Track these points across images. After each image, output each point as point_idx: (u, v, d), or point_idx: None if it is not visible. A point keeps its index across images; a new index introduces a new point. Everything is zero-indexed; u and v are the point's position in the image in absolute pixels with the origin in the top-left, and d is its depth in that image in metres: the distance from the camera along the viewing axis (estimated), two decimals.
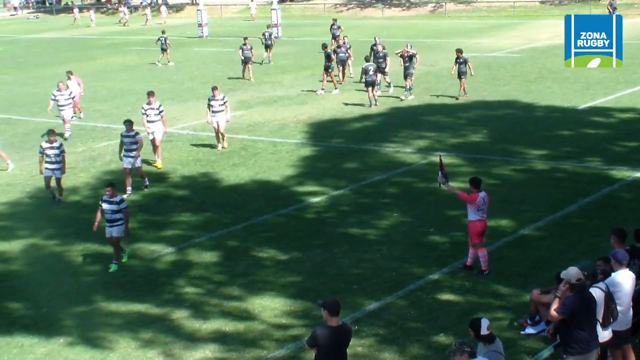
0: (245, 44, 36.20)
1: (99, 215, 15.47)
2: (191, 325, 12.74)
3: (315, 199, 18.68)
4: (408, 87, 29.79)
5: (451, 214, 16.81)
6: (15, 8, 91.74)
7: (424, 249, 15.36)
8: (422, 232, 16.26)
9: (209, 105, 23.11)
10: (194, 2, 77.99)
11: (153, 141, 22.07)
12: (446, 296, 13.27)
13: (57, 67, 44.59)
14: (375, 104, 28.39)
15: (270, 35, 41.63)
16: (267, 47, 41.40)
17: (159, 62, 43.06)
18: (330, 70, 31.66)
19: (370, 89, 28.41)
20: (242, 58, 36.34)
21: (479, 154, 21.69)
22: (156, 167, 21.85)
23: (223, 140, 23.51)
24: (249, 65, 36.26)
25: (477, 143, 22.99)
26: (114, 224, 15.21)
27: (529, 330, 11.82)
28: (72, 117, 26.81)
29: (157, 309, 13.40)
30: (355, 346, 11.52)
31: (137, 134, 19.53)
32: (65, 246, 16.57)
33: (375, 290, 13.64)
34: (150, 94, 22.08)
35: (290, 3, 77.89)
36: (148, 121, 21.87)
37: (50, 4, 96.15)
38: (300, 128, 25.96)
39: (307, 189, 19.41)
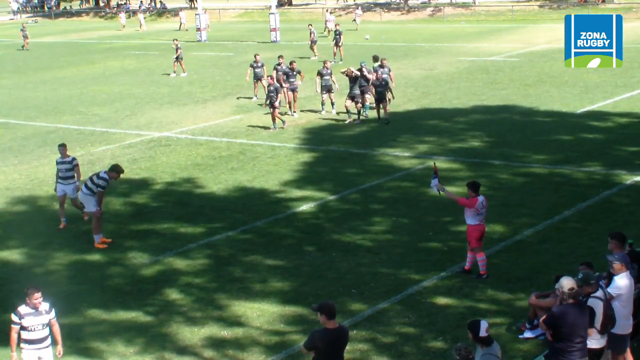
0: (256, 61, 31.50)
1: (14, 337, 10.53)
2: (188, 331, 12.70)
3: (313, 204, 18.65)
4: (356, 109, 26.81)
5: (449, 218, 16.80)
6: (14, 12, 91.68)
7: (422, 253, 15.34)
8: (420, 236, 16.23)
9: (57, 170, 17.87)
10: (192, 6, 77.99)
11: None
12: (444, 300, 13.25)
13: (57, 71, 44.66)
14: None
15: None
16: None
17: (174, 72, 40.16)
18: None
19: (329, 94, 28.15)
20: (253, 76, 31.63)
21: (477, 158, 21.68)
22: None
23: (83, 213, 17.87)
24: (261, 84, 31.03)
25: (476, 147, 22.97)
26: (43, 343, 10.61)
27: (527, 334, 11.82)
28: None
29: (152, 315, 13.35)
30: (353, 350, 11.50)
31: None
32: (61, 253, 16.51)
33: (373, 294, 13.62)
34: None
35: (288, 7, 77.92)
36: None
37: (49, 8, 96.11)
38: (298, 132, 25.94)
39: (305, 194, 19.38)
